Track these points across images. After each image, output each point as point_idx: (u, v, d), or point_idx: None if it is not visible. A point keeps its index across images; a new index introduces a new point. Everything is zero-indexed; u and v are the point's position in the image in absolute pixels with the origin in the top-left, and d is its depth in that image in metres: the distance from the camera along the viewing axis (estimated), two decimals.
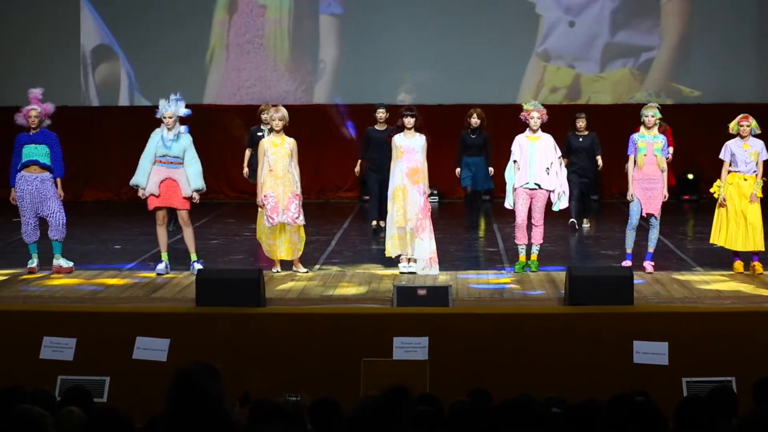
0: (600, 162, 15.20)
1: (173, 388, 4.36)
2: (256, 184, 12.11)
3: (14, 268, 12.15)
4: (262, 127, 14.08)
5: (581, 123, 15.28)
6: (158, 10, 19.71)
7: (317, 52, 20.04)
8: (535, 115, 12.10)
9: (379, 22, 19.67)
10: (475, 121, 15.02)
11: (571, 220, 15.18)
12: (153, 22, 19.63)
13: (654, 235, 11.98)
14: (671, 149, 14.33)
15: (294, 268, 12.02)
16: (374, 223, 15.02)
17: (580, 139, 15.21)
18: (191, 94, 18.93)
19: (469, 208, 15.47)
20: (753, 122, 11.87)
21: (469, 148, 15.07)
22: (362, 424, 4.20)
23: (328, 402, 6.14)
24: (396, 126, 12.23)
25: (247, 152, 14.44)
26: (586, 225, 15.57)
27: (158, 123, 11.89)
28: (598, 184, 15.58)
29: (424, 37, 19.59)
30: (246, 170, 14.44)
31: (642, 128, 11.97)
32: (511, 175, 12.15)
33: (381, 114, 14.97)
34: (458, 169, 15.20)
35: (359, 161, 15.15)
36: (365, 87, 19.36)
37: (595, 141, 15.24)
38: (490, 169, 15.03)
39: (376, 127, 14.99)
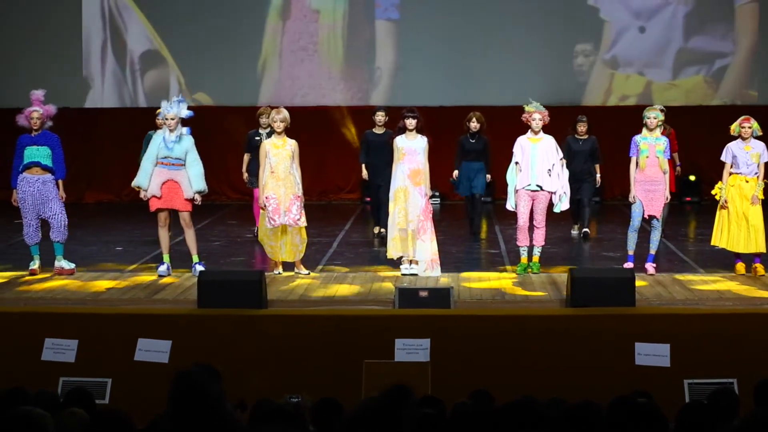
0: (598, 172, 14.98)
1: (174, 389, 4.36)
2: (257, 189, 12.09)
3: (16, 270, 12.15)
4: (260, 131, 14.04)
5: (582, 127, 15.06)
6: (209, 15, 19.57)
7: (373, 58, 19.82)
8: (537, 117, 12.10)
9: (436, 26, 19.46)
10: (474, 125, 14.71)
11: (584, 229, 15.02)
12: (204, 28, 19.51)
13: (656, 236, 11.97)
14: (676, 155, 14.30)
15: (296, 270, 12.02)
16: (376, 230, 14.94)
17: (580, 143, 15.08)
18: (245, 100, 19.11)
19: (470, 215, 15.16)
20: (755, 124, 11.87)
21: (468, 153, 14.76)
22: (363, 424, 4.19)
23: (331, 402, 6.14)
24: (397, 128, 12.19)
25: (246, 157, 14.30)
26: (575, 232, 15.10)
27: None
28: (595, 188, 15.40)
29: (479, 41, 19.43)
30: (246, 175, 14.36)
31: (644, 130, 11.96)
32: (512, 176, 12.14)
33: (380, 117, 14.75)
34: (455, 172, 14.93)
35: (363, 165, 14.84)
36: (426, 92, 19.14)
37: (594, 145, 15.03)
38: (488, 176, 14.80)
39: (375, 130, 14.79)
